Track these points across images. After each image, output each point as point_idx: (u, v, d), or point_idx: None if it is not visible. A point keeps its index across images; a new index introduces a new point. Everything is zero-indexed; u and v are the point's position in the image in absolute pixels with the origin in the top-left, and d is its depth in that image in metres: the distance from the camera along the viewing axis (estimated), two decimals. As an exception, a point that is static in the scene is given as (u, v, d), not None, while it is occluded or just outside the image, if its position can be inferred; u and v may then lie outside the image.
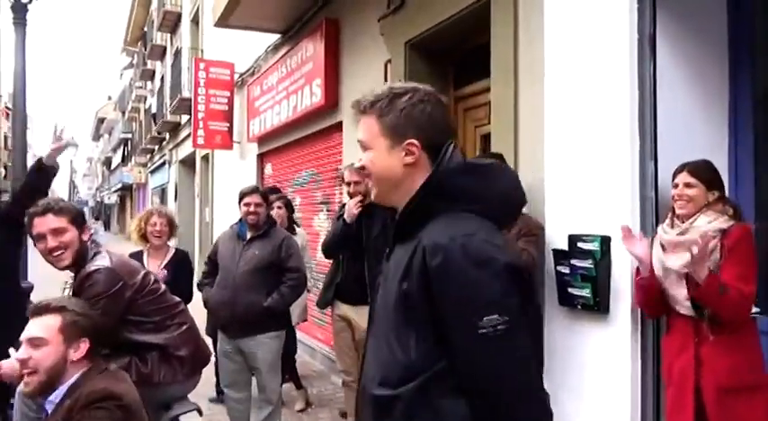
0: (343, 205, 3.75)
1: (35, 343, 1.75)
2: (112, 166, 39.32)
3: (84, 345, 1.78)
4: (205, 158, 11.99)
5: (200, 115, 8.96)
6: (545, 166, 2.92)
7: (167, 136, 17.22)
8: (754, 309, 2.17)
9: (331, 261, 3.87)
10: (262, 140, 7.92)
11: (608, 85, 2.56)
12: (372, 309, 1.36)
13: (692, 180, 2.23)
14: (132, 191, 29.07)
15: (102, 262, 2.17)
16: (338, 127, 5.51)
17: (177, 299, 2.45)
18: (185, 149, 14.25)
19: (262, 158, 8.24)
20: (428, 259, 1.12)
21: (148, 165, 22.77)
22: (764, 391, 2.12)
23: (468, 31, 3.85)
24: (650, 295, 2.28)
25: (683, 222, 2.25)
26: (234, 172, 9.49)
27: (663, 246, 2.28)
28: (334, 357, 5.46)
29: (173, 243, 3.94)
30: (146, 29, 22.62)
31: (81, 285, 2.12)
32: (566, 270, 2.67)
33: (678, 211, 2.26)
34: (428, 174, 1.21)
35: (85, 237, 2.27)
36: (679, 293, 2.21)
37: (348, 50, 5.32)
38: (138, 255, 3.65)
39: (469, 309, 1.08)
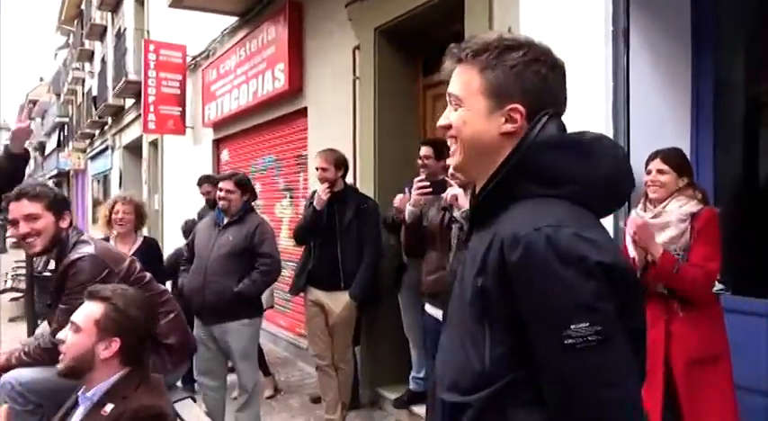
0: (314, 192, 3.75)
1: (74, 327, 1.71)
2: (46, 152, 37.32)
3: (115, 345, 1.70)
4: (154, 144, 11.59)
5: (151, 99, 8.65)
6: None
7: (109, 120, 16.50)
8: (718, 286, 2.35)
9: (302, 248, 3.88)
10: (218, 126, 7.74)
11: (584, 77, 2.66)
12: (448, 301, 1.14)
13: (664, 167, 2.37)
14: (69, 177, 27.74)
15: (86, 249, 2.11)
16: (302, 112, 5.46)
17: (163, 287, 2.41)
18: (131, 134, 13.73)
19: (218, 144, 8.05)
20: (506, 253, 0.93)
21: (87, 150, 21.76)
22: (725, 359, 2.30)
23: (439, 19, 3.89)
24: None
25: (656, 207, 2.40)
26: (187, 158, 9.22)
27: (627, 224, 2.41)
28: (298, 343, 5.48)
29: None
30: (83, 7, 21.51)
31: (65, 273, 2.05)
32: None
33: (651, 196, 2.40)
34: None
35: (64, 224, 2.20)
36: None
37: (313, 35, 5.27)
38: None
39: (554, 315, 0.89)
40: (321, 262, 3.65)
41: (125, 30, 12.56)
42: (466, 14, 3.43)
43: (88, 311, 1.71)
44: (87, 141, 21.64)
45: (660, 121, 2.71)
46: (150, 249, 3.67)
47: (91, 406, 1.66)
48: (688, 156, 2.72)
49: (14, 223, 2.13)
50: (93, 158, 20.85)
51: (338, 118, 4.77)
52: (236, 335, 3.43)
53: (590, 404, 0.90)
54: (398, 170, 4.25)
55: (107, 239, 3.60)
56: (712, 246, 2.27)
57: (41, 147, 38.89)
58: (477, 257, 1.00)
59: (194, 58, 8.61)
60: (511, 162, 1.00)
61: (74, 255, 2.07)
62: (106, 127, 17.27)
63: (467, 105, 1.05)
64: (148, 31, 11.71)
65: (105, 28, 17.30)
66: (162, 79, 8.67)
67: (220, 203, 3.55)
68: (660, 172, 2.36)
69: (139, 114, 12.37)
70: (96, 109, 16.74)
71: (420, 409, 3.89)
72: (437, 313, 2.92)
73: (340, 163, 3.62)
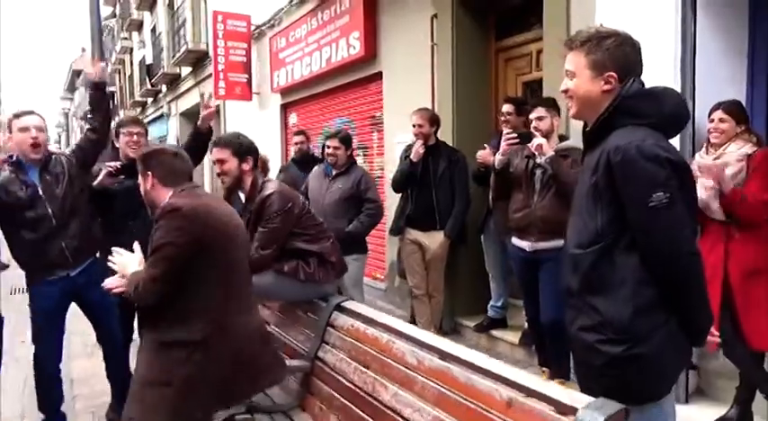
0: (408, 146, 4.34)
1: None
2: (94, 121, 38.62)
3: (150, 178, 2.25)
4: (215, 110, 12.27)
5: (221, 67, 9.27)
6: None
7: (164, 88, 17.26)
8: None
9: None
10: (285, 91, 8.33)
11: (656, 37, 3.12)
12: (574, 198, 1.80)
13: (724, 116, 2.87)
14: (120, 145, 28.86)
15: (273, 187, 2.76)
16: (377, 76, 6.00)
17: (321, 219, 3.06)
18: (187, 101, 14.43)
19: (285, 108, 8.67)
20: (612, 157, 1.56)
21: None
22: None
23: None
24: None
25: (717, 150, 2.90)
26: (252, 122, 9.88)
27: (700, 169, 2.93)
28: (375, 285, 6.17)
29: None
30: (129, -22, 22.06)
31: (262, 205, 2.70)
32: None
33: (713, 141, 2.91)
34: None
35: (246, 167, 2.82)
36: (713, 204, 2.88)
37: (387, 5, 5.75)
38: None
39: (642, 190, 1.53)
40: (419, 206, 4.26)
41: (183, 0, 13.06)
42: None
43: None
44: (139, 109, 22.54)
45: (721, 79, 3.18)
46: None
47: None
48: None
49: (215, 163, 2.82)
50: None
51: (415, 81, 5.29)
52: (348, 267, 4.09)
53: (665, 241, 1.55)
54: (475, 127, 4.80)
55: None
56: (764, 180, 2.77)
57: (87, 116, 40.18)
58: (591, 163, 1.66)
59: (258, 26, 9.15)
60: (612, 105, 1.64)
61: (265, 192, 2.72)
62: (160, 95, 18.06)
63: (578, 76, 1.69)
64: (206, 1, 12.25)
65: (156, -2, 17.87)
66: (230, 48, 9.26)
67: (329, 159, 4.18)
68: (722, 120, 2.86)
69: (198, 81, 13.12)
70: (151, 78, 17.50)
71: (498, 333, 4.54)
72: (522, 244, 3.51)
73: (434, 120, 4.20)
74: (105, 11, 28.17)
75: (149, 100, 20.07)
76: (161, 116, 18.32)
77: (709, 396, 3.30)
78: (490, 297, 4.62)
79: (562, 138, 3.48)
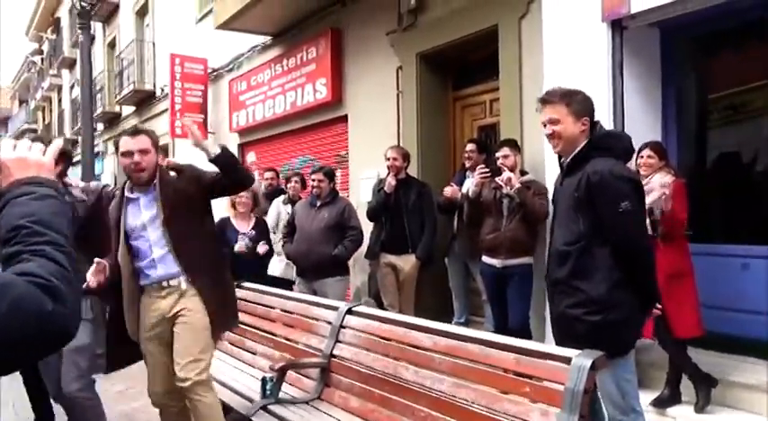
0: (381, 180, 4.92)
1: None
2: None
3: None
4: (162, 149, 12.40)
5: (177, 107, 9.58)
6: (545, 149, 4.25)
7: (100, 126, 17.08)
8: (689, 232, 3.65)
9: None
10: (244, 131, 8.76)
11: (592, 93, 3.91)
12: (555, 212, 2.52)
13: (651, 153, 3.64)
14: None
15: None
16: (343, 119, 6.61)
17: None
18: (129, 140, 14.39)
19: (242, 148, 9.07)
20: (591, 178, 2.22)
21: (72, 154, 22.04)
22: (690, 276, 3.58)
23: (471, 47, 5.13)
24: None
25: (644, 179, 3.68)
26: (204, 160, 10.14)
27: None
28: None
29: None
30: (59, 15, 21.89)
31: None
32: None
33: (642, 173, 3.67)
34: (588, 137, 2.33)
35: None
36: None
37: (353, 56, 6.42)
38: (225, 220, 4.62)
39: (615, 200, 2.18)
40: (391, 233, 4.81)
41: (132, 41, 13.25)
42: (500, 43, 4.64)
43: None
44: (69, 148, 21.89)
45: (642, 125, 4.02)
46: (263, 226, 4.75)
47: None
48: (660, 148, 4.08)
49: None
50: (75, 164, 21.15)
51: (380, 123, 5.93)
52: (332, 287, 4.57)
53: (630, 236, 2.23)
54: (437, 164, 5.47)
55: (228, 219, 4.68)
56: (680, 204, 3.56)
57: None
58: (573, 184, 2.29)
59: (216, 70, 9.59)
60: (592, 142, 2.33)
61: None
62: (96, 133, 17.80)
63: (563, 122, 2.34)
64: (154, 43, 12.55)
65: (93, 37, 17.84)
66: (186, 89, 9.62)
67: (314, 190, 4.69)
68: (649, 156, 3.65)
69: (142, 120, 13.23)
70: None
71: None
72: (493, 261, 4.12)
73: (406, 156, 4.82)
74: (30, 46, 27.49)
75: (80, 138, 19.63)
76: (96, 154, 18.01)
77: (644, 385, 3.98)
78: (453, 313, 5.18)
79: (523, 172, 4.16)
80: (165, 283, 2.81)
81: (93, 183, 3.33)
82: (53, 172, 1.09)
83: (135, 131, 2.89)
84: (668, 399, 3.63)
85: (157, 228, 2.78)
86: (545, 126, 2.41)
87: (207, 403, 2.72)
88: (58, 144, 1.16)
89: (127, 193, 2.87)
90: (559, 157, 2.48)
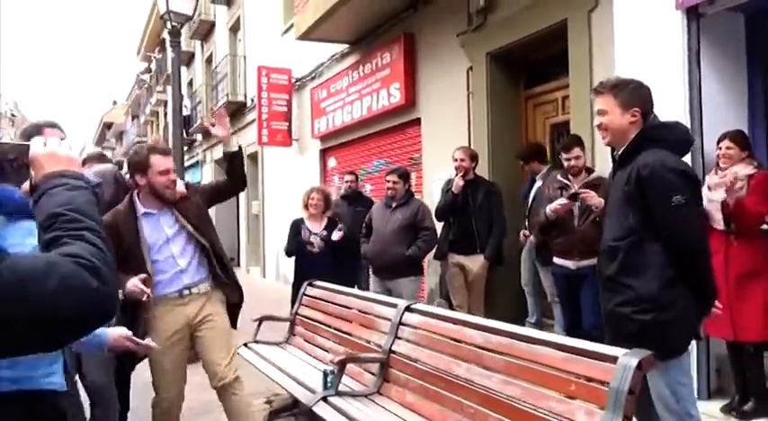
0: (449, 180, 4.93)
1: None
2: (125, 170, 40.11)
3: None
4: (253, 157, 13.10)
5: (264, 116, 10.09)
6: (617, 144, 4.10)
7: (199, 137, 18.29)
8: (765, 226, 3.37)
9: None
10: (325, 137, 9.08)
11: (667, 84, 3.71)
12: (606, 205, 2.49)
13: (731, 144, 3.41)
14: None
15: None
16: (416, 122, 6.69)
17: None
18: (222, 149, 15.31)
19: (324, 153, 9.39)
20: (641, 171, 2.12)
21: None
22: (765, 275, 3.29)
23: (540, 44, 5.03)
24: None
25: (725, 171, 3.44)
26: (290, 167, 10.62)
27: (708, 187, 3.45)
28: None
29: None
30: (164, 36, 23.63)
31: None
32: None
33: (722, 165, 3.44)
34: (641, 128, 2.21)
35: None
36: (716, 215, 3.38)
37: (424, 59, 6.48)
38: (298, 221, 4.84)
39: (666, 193, 2.08)
40: (460, 233, 4.81)
41: (226, 55, 14.11)
42: (569, 37, 4.52)
43: None
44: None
45: (724, 117, 3.76)
46: (334, 225, 4.92)
47: None
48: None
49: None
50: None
51: (452, 124, 5.95)
52: (406, 287, 4.63)
53: (683, 231, 2.11)
54: (508, 164, 5.40)
55: (302, 219, 4.89)
56: (761, 196, 3.28)
57: (121, 166, 41.75)
58: (623, 177, 2.21)
59: (299, 79, 10.01)
60: (642, 134, 2.21)
61: None
62: (195, 143, 19.10)
63: (610, 113, 2.24)
64: (245, 57, 13.29)
65: (193, 54, 19.19)
66: (272, 99, 10.11)
67: (389, 192, 4.78)
68: (728, 147, 3.41)
69: (235, 131, 14.02)
70: (187, 128, 18.56)
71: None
72: (567, 263, 4.00)
73: (474, 157, 4.81)
74: (140, 66, 29.94)
75: (185, 148, 21.09)
76: (196, 163, 19.32)
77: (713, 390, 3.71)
78: (525, 314, 5.08)
79: (589, 170, 4.03)
80: (186, 292, 2.94)
81: (102, 166, 3.40)
82: (80, 167, 1.22)
83: (167, 151, 3.00)
84: (739, 407, 3.39)
85: (182, 239, 2.93)
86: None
87: (242, 398, 3.02)
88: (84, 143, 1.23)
89: (144, 209, 2.90)
90: (612, 150, 2.40)
